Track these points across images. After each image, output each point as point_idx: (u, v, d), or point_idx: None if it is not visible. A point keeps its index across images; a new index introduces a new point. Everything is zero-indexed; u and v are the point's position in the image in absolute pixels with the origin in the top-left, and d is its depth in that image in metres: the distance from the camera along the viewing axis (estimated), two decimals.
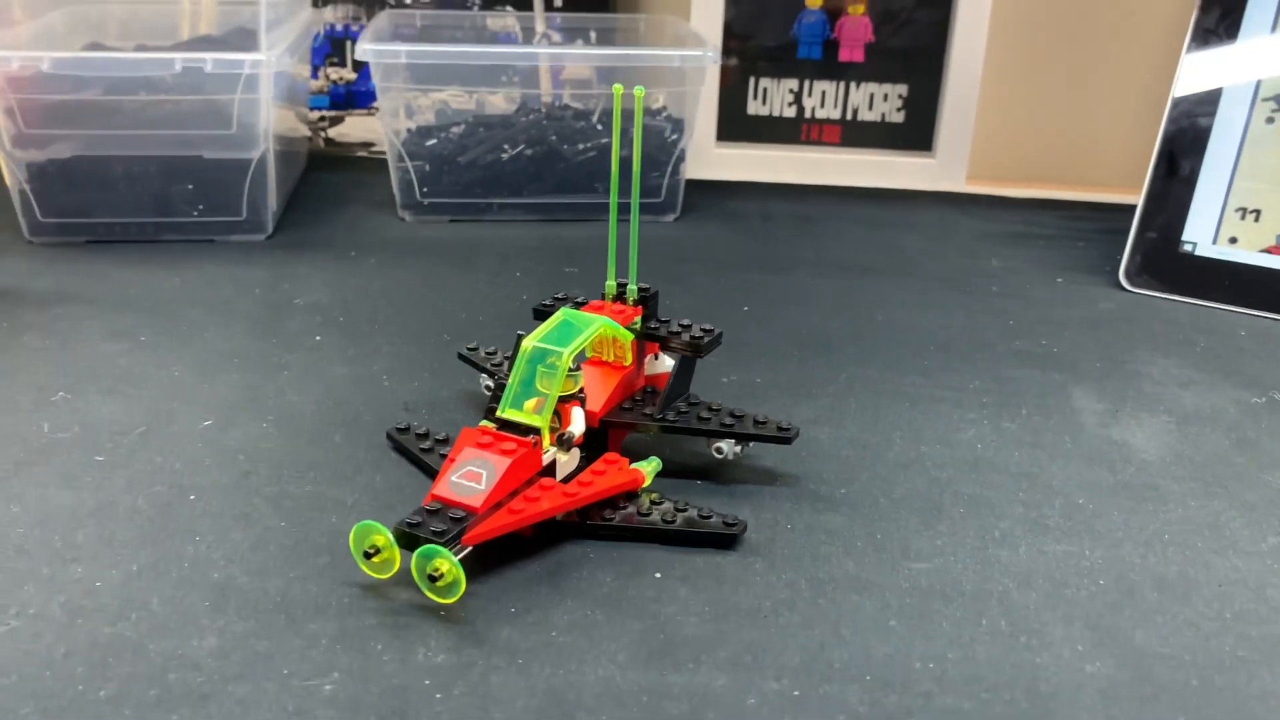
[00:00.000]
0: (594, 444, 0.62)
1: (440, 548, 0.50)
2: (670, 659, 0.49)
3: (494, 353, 0.72)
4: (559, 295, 0.69)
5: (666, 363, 0.67)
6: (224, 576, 0.54)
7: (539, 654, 0.49)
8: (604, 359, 0.65)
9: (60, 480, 0.61)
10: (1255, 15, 0.94)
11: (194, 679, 0.47)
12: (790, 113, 1.29)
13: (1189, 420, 0.73)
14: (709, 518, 0.58)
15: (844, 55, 1.26)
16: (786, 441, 0.62)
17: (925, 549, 0.58)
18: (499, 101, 1.15)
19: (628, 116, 1.09)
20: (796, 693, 0.47)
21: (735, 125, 1.29)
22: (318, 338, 0.81)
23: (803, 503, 0.62)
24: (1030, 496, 0.63)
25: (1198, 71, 0.96)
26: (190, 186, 0.98)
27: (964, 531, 0.60)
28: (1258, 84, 0.94)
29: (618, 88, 0.60)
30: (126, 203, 0.98)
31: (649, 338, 0.65)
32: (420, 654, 0.49)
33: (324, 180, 1.20)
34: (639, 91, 0.61)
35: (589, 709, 0.46)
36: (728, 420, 0.63)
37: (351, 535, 0.52)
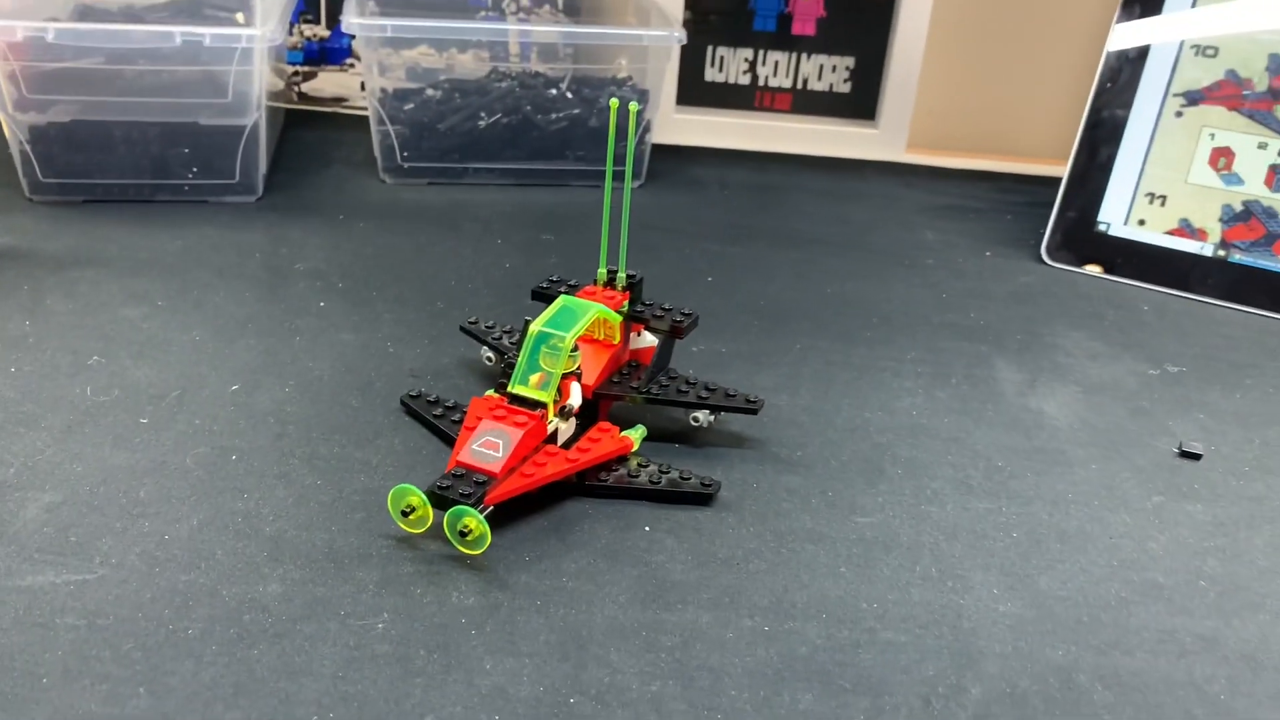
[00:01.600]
0: (587, 412, 0.71)
1: (469, 508, 0.59)
2: (662, 600, 0.59)
3: (493, 326, 0.80)
4: (553, 278, 0.78)
5: (648, 338, 0.76)
6: (275, 530, 0.62)
7: (553, 596, 0.59)
8: (596, 337, 0.74)
9: (113, 441, 0.69)
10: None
11: (265, 620, 0.56)
12: (745, 80, 1.37)
13: (1095, 390, 0.84)
14: (689, 479, 0.68)
15: (797, 28, 1.34)
16: (753, 412, 0.72)
17: (869, 505, 0.69)
18: (468, 61, 1.22)
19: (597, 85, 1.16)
20: (766, 628, 0.58)
21: (694, 91, 1.36)
22: (322, 304, 0.88)
23: (766, 464, 0.72)
24: (957, 459, 0.74)
25: (1126, 36, 1.06)
26: (186, 150, 1.04)
27: (901, 490, 0.70)
28: (1169, 80, 1.05)
29: (614, 101, 0.69)
30: (125, 165, 1.03)
31: (635, 319, 0.74)
32: (454, 597, 0.58)
33: (303, 138, 1.25)
34: (633, 107, 0.69)
35: (599, 643, 0.56)
36: (703, 393, 0.72)
37: (390, 497, 0.61)
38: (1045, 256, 1.08)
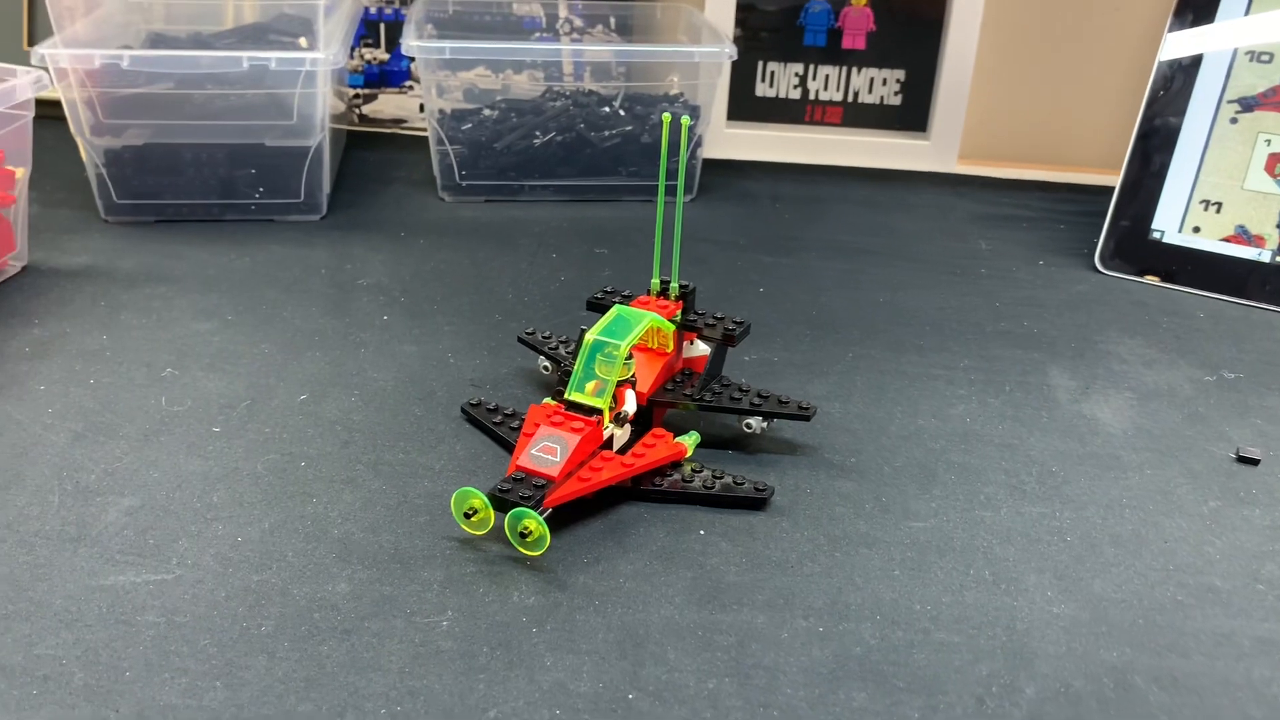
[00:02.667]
0: (641, 419, 0.73)
1: (529, 510, 0.61)
2: (718, 601, 0.60)
3: (549, 337, 0.82)
4: (608, 289, 0.79)
5: (700, 347, 0.77)
6: (343, 532, 0.65)
7: (611, 597, 0.60)
8: (650, 346, 0.75)
9: (187, 449, 0.72)
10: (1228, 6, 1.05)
11: (335, 617, 0.58)
12: (796, 95, 1.38)
13: (1149, 397, 0.84)
14: (742, 484, 0.69)
15: (847, 43, 1.35)
16: (805, 419, 0.73)
17: (922, 510, 0.69)
18: (523, 81, 1.25)
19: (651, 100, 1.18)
20: (821, 629, 0.59)
21: (745, 106, 1.38)
22: (385, 317, 0.91)
23: (819, 470, 0.73)
24: (1011, 465, 0.75)
25: (1179, 45, 1.06)
26: (253, 171, 1.07)
27: (954, 496, 0.71)
28: (1224, 87, 1.05)
29: (666, 116, 0.70)
30: (194, 186, 1.07)
31: (688, 328, 0.75)
32: (515, 596, 0.60)
33: (364, 158, 1.29)
34: (685, 120, 0.71)
35: (656, 642, 0.57)
36: (756, 400, 0.74)
37: (453, 499, 0.63)
38: (1099, 265, 1.08)
